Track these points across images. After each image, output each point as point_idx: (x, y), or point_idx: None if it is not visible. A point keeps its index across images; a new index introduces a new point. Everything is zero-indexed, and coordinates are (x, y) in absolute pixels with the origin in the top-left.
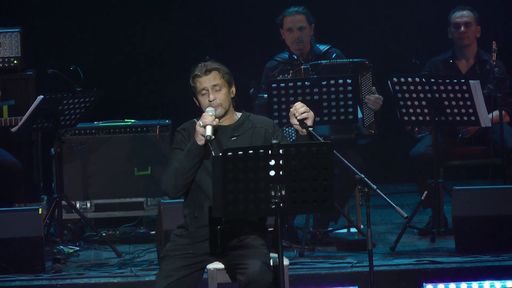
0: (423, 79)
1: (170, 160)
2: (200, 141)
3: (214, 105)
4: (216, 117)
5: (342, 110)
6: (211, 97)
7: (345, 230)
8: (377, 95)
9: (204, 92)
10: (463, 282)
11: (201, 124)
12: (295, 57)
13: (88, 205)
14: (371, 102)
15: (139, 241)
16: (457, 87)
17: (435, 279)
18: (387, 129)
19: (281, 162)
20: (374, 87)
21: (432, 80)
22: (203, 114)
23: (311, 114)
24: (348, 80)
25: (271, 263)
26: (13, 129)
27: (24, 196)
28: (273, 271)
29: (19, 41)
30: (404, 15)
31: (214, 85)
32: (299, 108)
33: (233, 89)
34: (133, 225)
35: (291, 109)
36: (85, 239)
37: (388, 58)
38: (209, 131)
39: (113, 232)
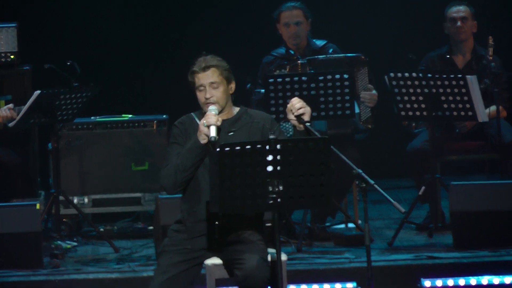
0: (420, 75)
1: (168, 155)
2: (203, 140)
3: (210, 102)
4: (217, 114)
5: (339, 105)
6: (208, 95)
7: (342, 226)
8: (371, 92)
9: (201, 88)
10: (461, 278)
11: (205, 123)
12: (292, 52)
13: (86, 200)
14: (367, 100)
15: (136, 237)
16: (454, 82)
17: (432, 275)
18: (384, 124)
19: (278, 157)
20: (370, 85)
21: (429, 75)
22: (207, 113)
23: (307, 110)
24: (345, 75)
25: (269, 259)
26: (10, 124)
27: (22, 191)
28: (271, 267)
29: (16, 36)
30: (400, 9)
31: (212, 83)
32: (296, 104)
33: (232, 85)
34: (130, 221)
35: (288, 105)
36: (82, 234)
37: (384, 53)
38: (213, 132)
39: (111, 228)
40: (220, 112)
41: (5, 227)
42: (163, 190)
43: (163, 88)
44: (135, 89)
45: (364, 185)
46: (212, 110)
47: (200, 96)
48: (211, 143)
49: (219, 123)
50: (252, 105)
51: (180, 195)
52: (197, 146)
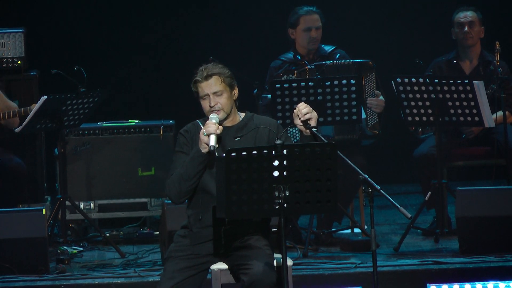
0: (427, 80)
1: (173, 164)
2: (204, 149)
3: (215, 109)
4: (218, 122)
5: (346, 110)
6: (212, 102)
7: (348, 231)
8: (379, 98)
9: (205, 97)
10: (466, 283)
11: (205, 133)
12: (299, 57)
13: (92, 205)
14: (374, 105)
15: (142, 242)
16: (460, 88)
17: (438, 280)
18: (391, 129)
19: (284, 162)
20: (378, 91)
21: (436, 80)
22: (207, 122)
23: (314, 115)
24: (352, 80)
25: (275, 264)
26: (17, 129)
27: (28, 196)
28: (277, 272)
29: (23, 41)
30: (407, 15)
31: (215, 92)
32: (302, 109)
33: (236, 91)
34: (136, 226)
35: (294, 110)
36: (88, 239)
37: (392, 58)
38: (212, 140)
39: (117, 233)
40: (225, 119)
41: (12, 232)
42: (169, 199)
43: (169, 94)
44: (142, 94)
45: (370, 190)
46: (213, 118)
47: (205, 104)
48: (210, 152)
49: (218, 132)
50: (258, 110)
51: (186, 201)
52: (199, 155)
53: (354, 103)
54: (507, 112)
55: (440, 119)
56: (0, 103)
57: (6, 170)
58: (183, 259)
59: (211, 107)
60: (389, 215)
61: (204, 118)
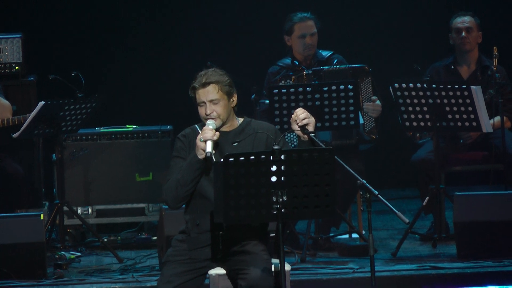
0: (425, 85)
1: (171, 169)
2: (201, 155)
3: (211, 117)
4: (215, 128)
5: (343, 115)
6: (208, 111)
7: (346, 236)
8: (375, 103)
9: (202, 104)
10: None
11: (202, 139)
12: (297, 63)
13: (90, 210)
14: (371, 110)
15: (140, 247)
16: (458, 93)
17: (436, 285)
18: (389, 134)
19: (282, 167)
20: (374, 97)
21: (434, 85)
22: (204, 128)
23: (312, 120)
24: (349, 85)
25: (273, 269)
26: (15, 135)
27: (26, 202)
28: (275, 277)
29: (21, 46)
30: (405, 20)
31: (212, 100)
32: (300, 115)
33: (234, 98)
34: (134, 231)
35: (292, 116)
36: (86, 244)
37: (390, 63)
38: (209, 147)
39: (115, 238)
40: (223, 124)
41: (10, 237)
42: (166, 204)
43: (167, 99)
44: (140, 99)
45: (368, 195)
46: (209, 124)
47: (201, 111)
48: (207, 158)
49: (215, 138)
50: (256, 115)
51: (183, 205)
52: (196, 161)
53: (351, 108)
54: (504, 117)
55: (438, 124)
56: None
57: (4, 175)
58: (181, 264)
59: (207, 115)
60: (387, 220)
61: (202, 123)
